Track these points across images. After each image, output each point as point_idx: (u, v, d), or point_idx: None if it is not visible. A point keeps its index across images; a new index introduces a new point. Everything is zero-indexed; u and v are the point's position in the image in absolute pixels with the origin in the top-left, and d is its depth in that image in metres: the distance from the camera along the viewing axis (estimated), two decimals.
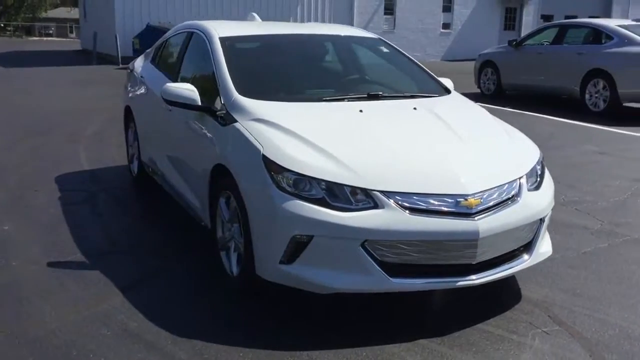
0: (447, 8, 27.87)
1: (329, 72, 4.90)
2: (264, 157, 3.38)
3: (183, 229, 4.86)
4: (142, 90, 5.61)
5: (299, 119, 3.71)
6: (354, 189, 3.20)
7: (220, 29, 4.73)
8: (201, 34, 4.83)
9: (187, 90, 4.11)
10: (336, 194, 3.20)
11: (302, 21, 24.73)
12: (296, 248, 3.22)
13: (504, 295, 3.74)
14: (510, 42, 13.41)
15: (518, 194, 3.46)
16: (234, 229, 3.71)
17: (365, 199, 3.18)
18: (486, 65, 13.88)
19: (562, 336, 3.28)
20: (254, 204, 3.38)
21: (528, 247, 3.54)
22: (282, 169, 3.29)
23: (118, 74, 16.72)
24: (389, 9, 26.81)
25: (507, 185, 3.43)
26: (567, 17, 31.10)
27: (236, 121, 3.77)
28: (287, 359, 3.02)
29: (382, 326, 3.36)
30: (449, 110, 4.22)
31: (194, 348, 3.11)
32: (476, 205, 3.23)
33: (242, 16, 24.45)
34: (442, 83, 4.68)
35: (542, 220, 3.57)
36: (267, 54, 4.82)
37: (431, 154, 3.54)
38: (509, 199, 3.40)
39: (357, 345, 3.14)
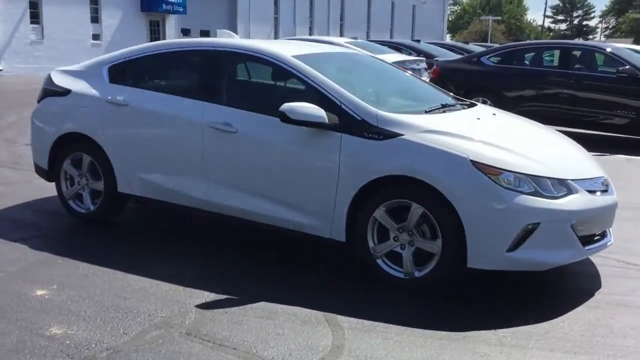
0: (95, 19, 27.05)
1: (402, 86, 5.25)
2: (474, 163, 3.82)
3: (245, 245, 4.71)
4: (132, 116, 4.98)
5: (459, 128, 4.16)
6: (553, 180, 3.93)
7: (279, 48, 4.68)
8: (256, 54, 4.71)
9: (316, 109, 4.09)
10: (542, 186, 3.88)
11: None
12: (524, 236, 3.80)
13: None
14: None
15: None
16: (407, 235, 4.00)
17: (560, 187, 3.93)
18: None
19: None
20: (471, 204, 3.80)
21: None
22: (500, 171, 3.81)
23: None
24: (36, 18, 24.76)
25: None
26: (201, 32, 33.34)
27: (400, 134, 4.01)
28: None
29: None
30: (509, 116, 5.15)
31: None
32: (608, 184, 4.31)
33: None
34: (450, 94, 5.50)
35: None
36: (345, 70, 4.93)
37: (559, 149, 4.49)
38: None
39: None
